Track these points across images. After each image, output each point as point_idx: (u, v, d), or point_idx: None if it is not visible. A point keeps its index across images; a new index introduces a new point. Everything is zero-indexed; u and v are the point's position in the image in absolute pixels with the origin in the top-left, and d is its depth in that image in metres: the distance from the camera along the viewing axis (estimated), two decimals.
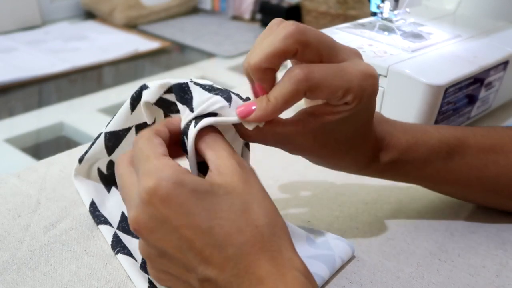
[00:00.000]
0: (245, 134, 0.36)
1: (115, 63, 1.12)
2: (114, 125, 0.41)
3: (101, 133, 0.42)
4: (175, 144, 0.36)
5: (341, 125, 0.38)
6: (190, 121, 0.34)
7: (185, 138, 0.34)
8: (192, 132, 0.34)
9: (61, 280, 0.39)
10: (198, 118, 0.34)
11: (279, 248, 0.31)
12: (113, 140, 0.42)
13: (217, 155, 0.33)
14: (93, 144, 0.43)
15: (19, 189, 0.49)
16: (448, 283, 0.40)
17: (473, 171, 0.45)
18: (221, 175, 0.32)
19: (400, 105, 0.55)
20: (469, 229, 0.47)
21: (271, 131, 0.36)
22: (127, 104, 0.39)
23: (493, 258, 0.43)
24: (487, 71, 0.60)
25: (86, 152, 0.45)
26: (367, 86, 0.36)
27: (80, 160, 0.46)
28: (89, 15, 1.45)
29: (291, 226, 0.42)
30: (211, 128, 0.34)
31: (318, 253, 0.41)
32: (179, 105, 0.35)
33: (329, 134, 0.38)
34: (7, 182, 0.50)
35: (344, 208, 0.49)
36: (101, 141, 0.42)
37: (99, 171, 0.47)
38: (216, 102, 0.34)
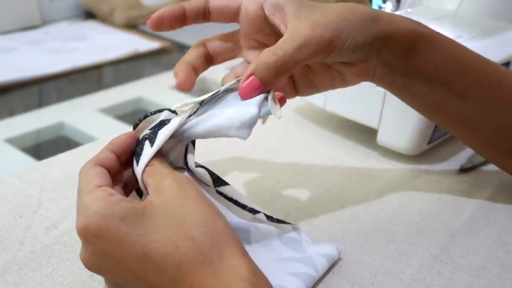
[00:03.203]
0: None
1: (115, 63, 1.12)
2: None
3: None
4: (127, 163, 0.37)
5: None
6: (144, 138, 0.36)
7: (135, 160, 0.35)
8: (147, 152, 0.35)
9: (62, 281, 0.38)
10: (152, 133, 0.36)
11: (220, 257, 0.29)
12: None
13: (154, 179, 0.33)
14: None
15: (20, 189, 0.49)
16: (450, 285, 0.40)
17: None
18: (157, 193, 0.32)
19: (401, 107, 0.55)
20: (471, 231, 0.47)
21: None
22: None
23: (495, 260, 0.43)
24: None
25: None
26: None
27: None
28: (89, 15, 1.45)
29: (261, 227, 0.40)
30: (151, 158, 0.35)
31: (294, 255, 0.40)
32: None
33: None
34: (7, 182, 0.50)
35: (345, 209, 0.49)
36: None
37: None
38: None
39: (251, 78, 0.36)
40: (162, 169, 0.34)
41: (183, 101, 0.37)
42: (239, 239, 0.31)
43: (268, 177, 0.53)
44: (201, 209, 0.31)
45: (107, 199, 0.31)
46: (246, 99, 0.36)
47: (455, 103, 0.44)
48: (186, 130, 0.36)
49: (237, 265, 0.29)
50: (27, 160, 0.68)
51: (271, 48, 0.36)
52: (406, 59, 0.41)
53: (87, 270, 0.39)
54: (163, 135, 0.35)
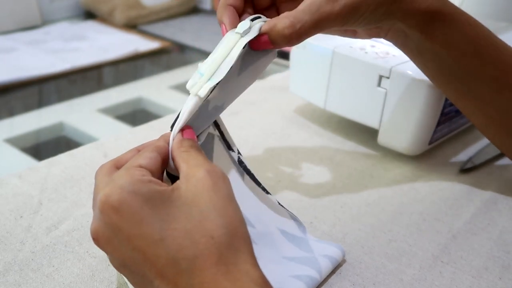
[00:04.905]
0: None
1: (115, 63, 1.12)
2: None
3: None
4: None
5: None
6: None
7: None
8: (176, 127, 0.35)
9: (63, 282, 0.38)
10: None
11: (235, 261, 0.29)
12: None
13: (188, 165, 0.33)
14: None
15: (21, 189, 0.49)
16: (451, 285, 0.40)
17: None
18: (187, 181, 0.32)
19: (402, 106, 0.55)
20: (472, 231, 0.47)
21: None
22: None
23: (496, 260, 0.43)
24: None
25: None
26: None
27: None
28: (89, 15, 1.45)
29: (267, 220, 0.41)
30: (187, 142, 0.35)
31: (300, 254, 0.40)
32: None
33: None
34: (8, 183, 0.50)
35: (346, 210, 0.49)
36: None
37: None
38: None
39: (264, 36, 0.38)
40: (197, 157, 0.34)
41: (201, 85, 0.36)
42: (253, 249, 0.31)
43: (268, 177, 0.53)
44: (227, 211, 0.31)
45: (137, 177, 0.31)
46: (255, 49, 0.39)
47: (464, 78, 0.45)
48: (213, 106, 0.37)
49: (250, 271, 0.29)
50: (27, 160, 0.68)
51: (290, 16, 0.38)
52: (420, 33, 0.43)
53: (87, 270, 0.40)
54: (185, 113, 0.35)
